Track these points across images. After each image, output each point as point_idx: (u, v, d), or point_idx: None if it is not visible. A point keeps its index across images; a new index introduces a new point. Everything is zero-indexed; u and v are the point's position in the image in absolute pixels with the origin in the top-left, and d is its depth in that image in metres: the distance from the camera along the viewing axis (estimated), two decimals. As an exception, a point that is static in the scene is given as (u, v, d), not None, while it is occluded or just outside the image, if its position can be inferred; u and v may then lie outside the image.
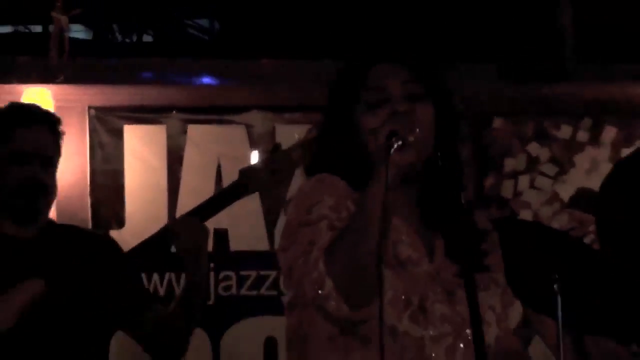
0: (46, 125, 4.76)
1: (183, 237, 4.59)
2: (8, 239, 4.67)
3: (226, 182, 6.96)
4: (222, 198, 4.71)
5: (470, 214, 3.48)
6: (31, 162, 4.63)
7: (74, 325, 4.61)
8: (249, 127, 6.97)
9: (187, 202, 6.81)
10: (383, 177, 3.15)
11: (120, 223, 6.88)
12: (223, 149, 6.96)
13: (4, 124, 4.74)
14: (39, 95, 6.81)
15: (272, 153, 4.52)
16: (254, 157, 4.50)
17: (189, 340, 4.84)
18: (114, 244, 5.05)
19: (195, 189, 6.90)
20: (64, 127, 6.08)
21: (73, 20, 7.10)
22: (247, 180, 4.54)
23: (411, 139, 3.20)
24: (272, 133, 6.99)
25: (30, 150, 4.65)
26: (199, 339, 6.90)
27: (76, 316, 4.60)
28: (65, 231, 4.94)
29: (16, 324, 4.46)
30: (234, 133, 6.97)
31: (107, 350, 4.93)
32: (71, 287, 4.55)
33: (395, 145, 3.15)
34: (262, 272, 6.89)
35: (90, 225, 6.81)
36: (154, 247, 4.65)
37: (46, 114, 4.88)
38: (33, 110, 4.85)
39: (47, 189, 4.71)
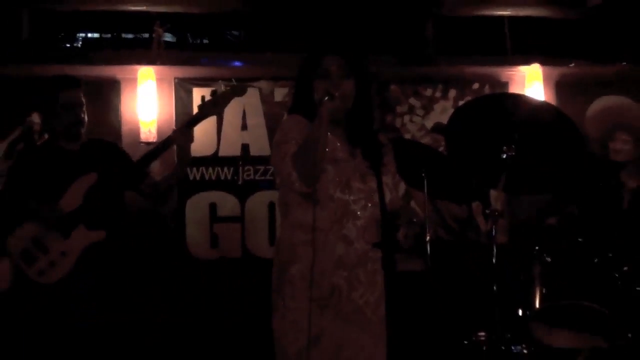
0: (76, 85, 4.72)
1: (180, 138, 4.61)
2: (62, 150, 4.66)
3: (248, 120, 6.95)
4: (195, 118, 4.68)
5: (376, 135, 3.55)
6: (74, 108, 4.63)
7: (111, 193, 4.61)
8: (260, 89, 6.93)
9: (226, 130, 6.86)
10: (321, 114, 3.37)
11: (191, 139, 6.82)
12: (246, 101, 6.90)
13: (54, 88, 4.71)
14: (147, 72, 6.77)
15: (211, 96, 4.62)
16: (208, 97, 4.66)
17: (171, 195, 4.95)
18: (120, 149, 5.09)
19: (231, 123, 6.90)
20: (160, 91, 6.04)
21: (165, 31, 7.04)
22: (202, 110, 4.62)
23: (336, 94, 3.41)
24: (272, 92, 6.97)
25: (71, 102, 4.65)
26: (234, 203, 6.91)
27: (112, 189, 4.59)
28: (96, 142, 4.90)
29: (84, 201, 4.55)
30: (252, 93, 6.89)
31: (124, 203, 4.88)
32: (107, 175, 4.53)
33: (326, 98, 3.37)
34: (267, 167, 6.87)
35: None
36: (167, 144, 4.64)
37: (75, 78, 4.83)
38: (67, 78, 4.80)
39: (83, 122, 4.70)
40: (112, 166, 4.65)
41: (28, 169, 4.66)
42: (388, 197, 3.56)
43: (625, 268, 4.34)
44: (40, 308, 4.46)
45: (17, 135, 6.33)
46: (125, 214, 4.79)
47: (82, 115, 4.70)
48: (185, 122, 4.69)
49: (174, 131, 4.66)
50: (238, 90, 4.77)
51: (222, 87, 6.83)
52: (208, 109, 4.58)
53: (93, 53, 7.03)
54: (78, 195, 4.52)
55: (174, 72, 6.93)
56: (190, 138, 4.65)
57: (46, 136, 6.46)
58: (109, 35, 7.39)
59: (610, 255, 4.42)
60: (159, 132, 6.79)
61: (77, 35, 7.33)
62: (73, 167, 4.58)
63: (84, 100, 4.75)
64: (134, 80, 6.82)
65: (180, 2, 6.95)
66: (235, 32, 7.54)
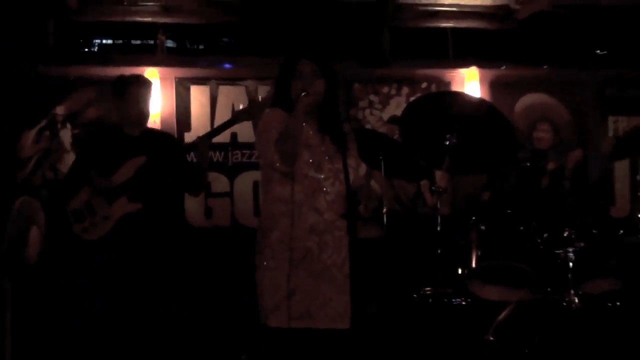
0: (143, 84, 4.72)
1: (200, 145, 4.59)
2: (128, 136, 4.65)
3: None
4: (223, 126, 4.72)
5: (341, 125, 3.54)
6: (138, 103, 4.60)
7: (160, 174, 4.59)
8: (246, 87, 6.85)
9: (218, 121, 6.78)
10: (298, 108, 3.40)
11: (189, 128, 6.78)
12: (235, 97, 6.83)
13: (124, 85, 4.69)
14: (152, 72, 6.67)
15: (249, 104, 4.63)
16: (240, 107, 4.66)
17: (203, 187, 4.92)
18: (173, 138, 5.15)
19: (222, 115, 6.78)
20: (163, 88, 5.98)
21: (167, 38, 7.01)
22: (235, 117, 4.59)
23: (311, 92, 3.41)
24: (256, 90, 6.87)
25: (137, 98, 4.61)
26: (224, 181, 6.87)
27: (157, 170, 4.58)
28: (153, 132, 4.98)
29: (133, 176, 4.53)
30: (240, 90, 6.82)
31: (167, 182, 4.84)
32: (156, 157, 4.56)
33: (303, 94, 3.37)
34: (252, 151, 6.80)
35: (176, 129, 6.77)
36: (191, 148, 4.80)
37: (144, 78, 4.84)
38: (137, 77, 4.80)
39: (145, 115, 4.69)
40: (161, 152, 4.66)
41: (95, 148, 4.74)
42: (352, 176, 3.52)
43: (545, 235, 4.37)
44: (79, 259, 4.63)
45: (43, 124, 6.31)
46: (165, 193, 4.80)
47: (145, 109, 4.73)
48: (219, 125, 4.76)
49: (199, 138, 4.69)
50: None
51: (215, 86, 6.88)
52: (242, 115, 4.58)
53: (107, 56, 6.99)
54: (128, 172, 4.55)
55: (174, 72, 6.85)
56: (207, 144, 4.66)
57: (68, 125, 6.47)
58: (120, 42, 7.35)
59: (534, 224, 4.45)
60: (161, 122, 6.74)
61: (94, 41, 7.29)
62: (131, 149, 4.61)
63: (149, 96, 4.78)
64: (141, 79, 6.78)
65: (180, 14, 6.90)
66: (225, 39, 7.50)
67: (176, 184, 4.78)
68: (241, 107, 4.66)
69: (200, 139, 4.65)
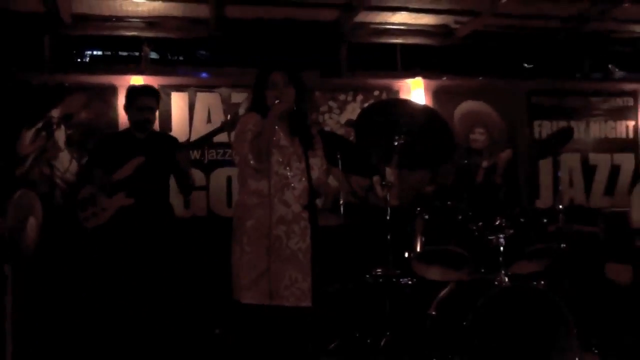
0: (151, 94, 4.73)
1: (182, 154, 4.66)
2: (135, 138, 4.70)
3: (212, 116, 6.80)
4: (209, 135, 4.78)
5: (309, 128, 3.57)
6: (144, 110, 4.62)
7: (157, 173, 4.60)
8: (221, 94, 6.82)
9: (196, 123, 6.75)
10: (271, 113, 3.40)
11: (170, 130, 6.67)
12: (211, 102, 6.79)
13: (135, 94, 4.76)
14: (137, 80, 6.54)
15: (233, 117, 4.67)
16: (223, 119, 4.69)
17: (191, 188, 4.94)
18: (176, 140, 5.08)
19: (199, 118, 6.76)
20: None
21: (151, 50, 6.96)
22: (222, 126, 4.58)
23: (284, 99, 3.41)
24: (230, 96, 6.85)
25: (144, 106, 4.64)
26: (201, 176, 6.80)
27: (158, 170, 4.59)
28: (157, 134, 4.99)
29: (132, 174, 4.51)
30: (215, 96, 6.79)
31: (169, 185, 4.88)
32: (158, 158, 4.56)
33: (276, 102, 3.38)
34: (225, 150, 6.77)
35: (159, 130, 6.57)
36: (180, 155, 4.68)
37: (152, 89, 4.91)
38: (146, 88, 4.87)
39: (151, 121, 4.76)
40: (164, 152, 4.71)
41: (106, 148, 4.81)
42: (317, 174, 3.62)
43: (480, 223, 4.43)
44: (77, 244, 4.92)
45: (40, 125, 6.24)
46: (160, 191, 4.83)
47: (150, 116, 4.80)
48: (207, 133, 4.80)
49: (182, 148, 4.80)
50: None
51: (193, 93, 6.83)
52: (228, 125, 4.59)
53: (97, 66, 6.96)
54: (129, 170, 4.60)
55: (157, 80, 6.75)
56: (188, 155, 4.85)
57: (62, 126, 6.40)
58: (109, 53, 7.28)
59: (470, 214, 4.50)
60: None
61: (86, 52, 7.22)
62: (136, 150, 4.65)
63: (156, 105, 4.85)
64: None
65: (163, 30, 6.84)
66: (202, 52, 7.45)
67: (170, 179, 4.84)
68: (228, 117, 4.70)
69: (192, 143, 4.72)
